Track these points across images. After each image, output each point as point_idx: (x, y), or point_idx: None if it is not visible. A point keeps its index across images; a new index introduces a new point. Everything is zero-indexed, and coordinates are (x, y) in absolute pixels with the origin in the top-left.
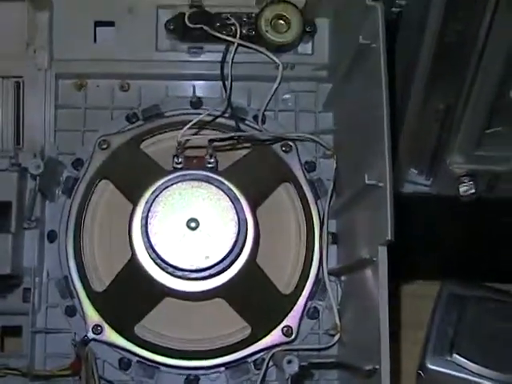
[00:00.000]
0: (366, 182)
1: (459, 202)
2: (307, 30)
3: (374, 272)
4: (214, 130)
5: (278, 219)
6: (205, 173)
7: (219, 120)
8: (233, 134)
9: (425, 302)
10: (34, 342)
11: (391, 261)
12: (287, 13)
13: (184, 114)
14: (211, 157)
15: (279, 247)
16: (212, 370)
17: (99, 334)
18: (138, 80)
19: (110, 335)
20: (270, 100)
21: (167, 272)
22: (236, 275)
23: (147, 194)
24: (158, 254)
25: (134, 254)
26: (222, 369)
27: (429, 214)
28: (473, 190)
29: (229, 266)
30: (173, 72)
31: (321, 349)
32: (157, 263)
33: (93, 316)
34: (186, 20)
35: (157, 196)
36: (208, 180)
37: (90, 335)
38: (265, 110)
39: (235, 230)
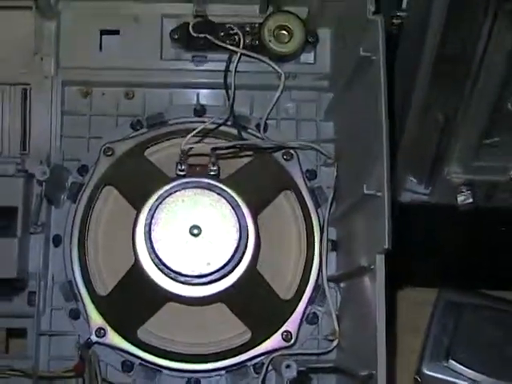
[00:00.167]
0: (365, 191)
1: (457, 210)
2: (309, 40)
3: (371, 279)
4: (216, 138)
5: (279, 226)
6: (207, 180)
7: (222, 128)
8: (235, 143)
9: (423, 308)
10: (38, 344)
11: (390, 268)
12: (290, 23)
13: (187, 122)
14: (214, 165)
15: (279, 254)
16: (213, 374)
17: (102, 336)
18: (142, 88)
19: (113, 338)
20: (272, 109)
21: (170, 277)
22: (237, 281)
23: (151, 201)
24: (160, 260)
25: (137, 260)
26: (223, 372)
27: (427, 222)
28: (471, 200)
29: (230, 272)
30: (177, 80)
31: (319, 354)
32: (159, 269)
33: (96, 319)
34: (191, 29)
35: (160, 203)
36: (210, 187)
37: (94, 338)
38: (267, 119)
39: (236, 236)
